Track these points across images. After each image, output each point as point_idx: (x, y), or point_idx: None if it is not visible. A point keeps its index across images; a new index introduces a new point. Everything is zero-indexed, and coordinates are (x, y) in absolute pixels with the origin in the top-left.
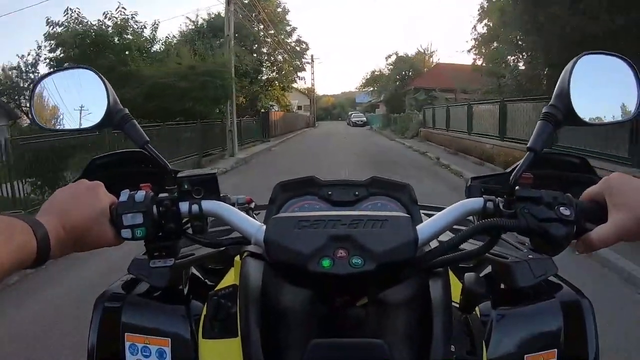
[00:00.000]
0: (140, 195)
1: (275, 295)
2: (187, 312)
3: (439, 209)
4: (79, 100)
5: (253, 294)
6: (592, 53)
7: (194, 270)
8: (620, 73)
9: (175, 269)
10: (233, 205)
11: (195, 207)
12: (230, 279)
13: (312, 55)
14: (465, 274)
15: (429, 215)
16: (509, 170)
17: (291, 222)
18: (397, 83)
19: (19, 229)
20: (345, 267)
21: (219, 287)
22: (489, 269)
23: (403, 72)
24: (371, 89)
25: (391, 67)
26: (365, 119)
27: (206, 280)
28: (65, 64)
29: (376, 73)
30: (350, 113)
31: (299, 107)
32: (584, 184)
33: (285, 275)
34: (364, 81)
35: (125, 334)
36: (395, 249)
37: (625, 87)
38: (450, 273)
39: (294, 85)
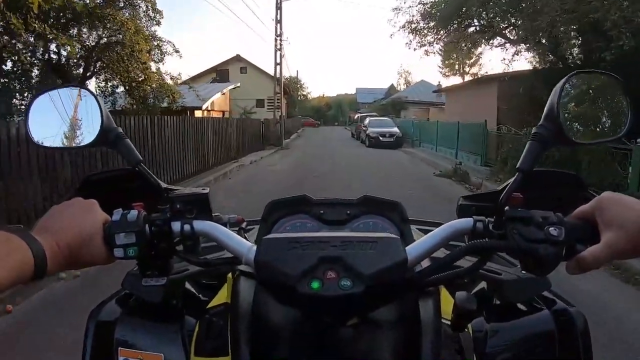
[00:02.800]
0: (132, 214)
1: (266, 314)
2: (181, 329)
3: (432, 224)
4: (73, 119)
5: (244, 313)
6: (582, 72)
7: (188, 285)
8: (610, 91)
9: (168, 285)
10: (225, 225)
11: (187, 227)
12: (223, 295)
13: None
14: (457, 293)
15: (423, 231)
16: (499, 188)
17: (282, 243)
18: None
19: (16, 246)
20: (334, 289)
21: (211, 304)
22: (482, 284)
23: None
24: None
25: None
26: (397, 130)
27: (200, 295)
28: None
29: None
30: (359, 115)
31: (260, 104)
32: (577, 201)
33: (275, 295)
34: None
35: (119, 348)
36: (384, 271)
37: (615, 105)
38: (443, 289)
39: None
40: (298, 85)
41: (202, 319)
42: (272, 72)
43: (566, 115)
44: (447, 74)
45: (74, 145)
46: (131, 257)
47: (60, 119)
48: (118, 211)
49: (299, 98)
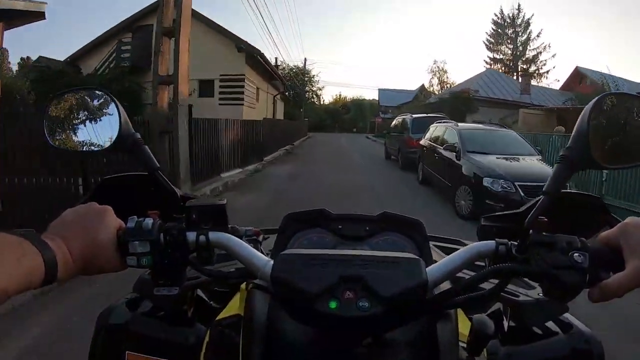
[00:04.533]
0: (147, 222)
1: (280, 330)
2: (191, 336)
3: (449, 241)
4: (91, 122)
5: (258, 328)
6: (612, 93)
7: (199, 292)
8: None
9: (181, 294)
10: (241, 237)
11: (202, 238)
12: (234, 305)
13: None
14: (474, 316)
15: (441, 248)
16: (521, 209)
17: (300, 259)
18: None
19: (27, 251)
20: (352, 310)
21: (223, 314)
22: (497, 305)
23: None
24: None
25: None
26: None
27: (211, 303)
28: None
29: None
30: (402, 119)
31: (207, 88)
32: (599, 225)
33: (290, 312)
34: None
35: (127, 352)
36: (403, 293)
37: None
38: (460, 311)
39: None
40: (306, 79)
41: (214, 328)
42: (239, 33)
43: (595, 138)
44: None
45: (90, 149)
46: (144, 266)
47: (78, 121)
48: (133, 218)
49: (307, 96)
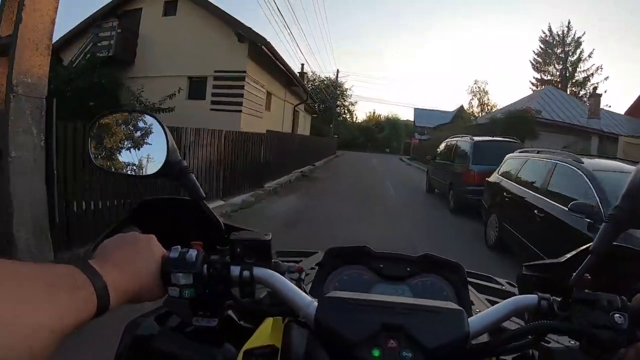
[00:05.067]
0: (191, 254)
1: None
2: (219, 355)
3: (481, 277)
4: (137, 146)
5: None
6: None
7: (228, 311)
8: None
9: (220, 326)
10: (283, 273)
11: (246, 273)
12: (265, 333)
13: None
14: None
15: (473, 285)
16: (561, 260)
17: (345, 303)
18: None
19: (79, 282)
20: (395, 359)
21: (254, 342)
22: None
23: None
24: None
25: None
26: None
27: (241, 322)
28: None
29: None
30: (459, 141)
31: (197, 89)
32: None
33: (331, 354)
34: None
35: None
36: (446, 345)
37: None
38: None
39: None
40: (338, 92)
41: (246, 357)
42: (237, 15)
43: None
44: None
45: (136, 173)
46: (187, 298)
47: (124, 144)
48: (176, 248)
49: (339, 111)
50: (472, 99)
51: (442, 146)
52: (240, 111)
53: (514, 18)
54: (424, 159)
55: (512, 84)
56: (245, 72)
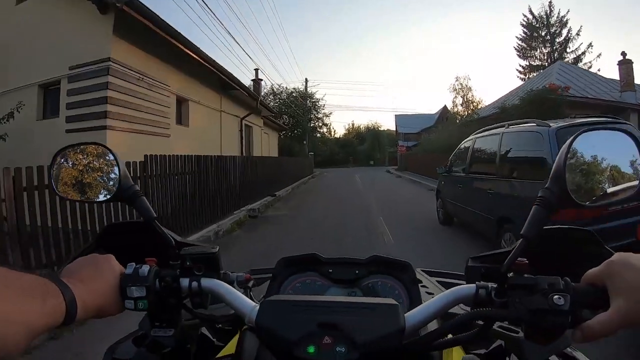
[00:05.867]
0: (144, 269)
1: None
2: None
3: (452, 276)
4: (92, 174)
5: None
6: (590, 130)
7: (204, 331)
8: (622, 149)
9: (177, 335)
10: (232, 283)
11: (195, 284)
12: (232, 346)
13: None
14: (464, 357)
15: (443, 284)
16: (507, 249)
17: (283, 305)
18: None
19: (51, 291)
20: (328, 356)
21: (221, 354)
22: (499, 342)
23: None
24: None
25: None
26: None
27: (214, 340)
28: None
29: None
30: (494, 133)
31: (51, 101)
32: (592, 260)
33: (275, 355)
34: None
35: None
36: (380, 339)
37: (628, 165)
38: (458, 349)
39: None
40: (309, 104)
41: None
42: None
43: (573, 177)
44: None
45: (93, 199)
46: (141, 309)
47: (81, 173)
48: (131, 265)
49: (313, 125)
50: (456, 97)
51: (465, 145)
52: (105, 127)
53: (490, 5)
54: (416, 169)
55: (497, 76)
56: (109, 59)
